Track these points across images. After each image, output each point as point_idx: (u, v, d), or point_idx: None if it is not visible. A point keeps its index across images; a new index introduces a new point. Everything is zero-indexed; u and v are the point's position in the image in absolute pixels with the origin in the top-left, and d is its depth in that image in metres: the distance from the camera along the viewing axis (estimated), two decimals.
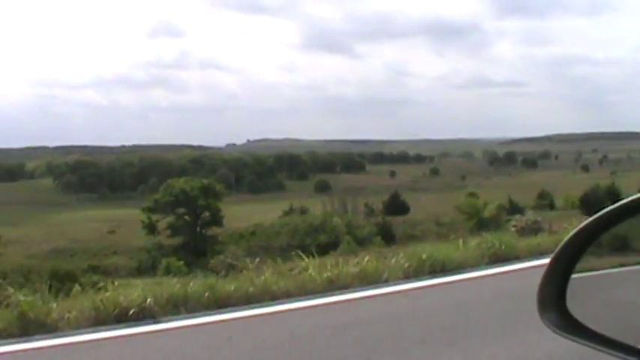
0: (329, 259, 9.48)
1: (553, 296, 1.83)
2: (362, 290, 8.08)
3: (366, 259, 9.15)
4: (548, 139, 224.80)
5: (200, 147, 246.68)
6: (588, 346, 1.73)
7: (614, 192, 76.92)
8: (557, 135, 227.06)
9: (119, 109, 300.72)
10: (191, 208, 59.00)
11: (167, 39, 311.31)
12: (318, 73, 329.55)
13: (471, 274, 8.89)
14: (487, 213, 53.70)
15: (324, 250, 19.78)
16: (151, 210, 60.33)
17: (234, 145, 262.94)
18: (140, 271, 44.03)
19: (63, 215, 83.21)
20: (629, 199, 1.70)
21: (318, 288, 8.11)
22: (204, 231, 59.20)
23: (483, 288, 8.40)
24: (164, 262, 37.80)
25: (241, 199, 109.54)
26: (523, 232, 13.64)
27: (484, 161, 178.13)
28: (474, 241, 10.48)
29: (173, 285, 7.87)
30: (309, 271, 8.55)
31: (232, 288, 7.82)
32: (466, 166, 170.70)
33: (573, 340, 1.77)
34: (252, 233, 57.54)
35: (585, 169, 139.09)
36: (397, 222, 61.14)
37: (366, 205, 72.18)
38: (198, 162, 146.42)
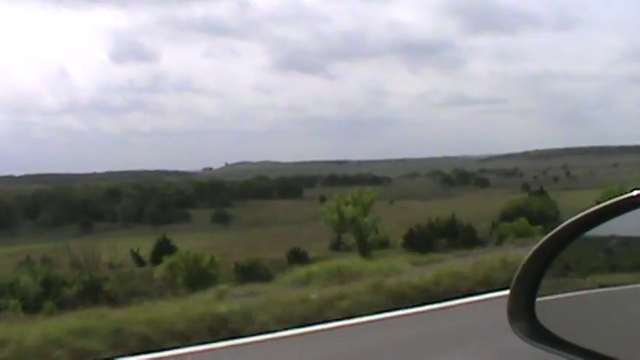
0: None
1: (523, 306, 1.86)
2: None
3: None
4: (525, 155, 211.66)
5: (176, 172, 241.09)
6: (556, 353, 1.80)
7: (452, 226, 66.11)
8: (536, 151, 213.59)
9: (100, 135, 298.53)
10: None
11: (137, 63, 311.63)
12: (295, 94, 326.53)
13: None
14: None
15: None
16: None
17: (211, 169, 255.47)
18: None
19: None
20: (596, 207, 1.73)
21: None
22: None
23: None
24: None
25: (120, 234, 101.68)
26: None
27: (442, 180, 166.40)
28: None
29: None
30: None
31: None
32: (418, 187, 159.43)
33: (542, 349, 1.82)
34: None
35: (526, 188, 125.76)
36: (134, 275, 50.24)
37: (132, 252, 60.83)
38: (116, 192, 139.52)
